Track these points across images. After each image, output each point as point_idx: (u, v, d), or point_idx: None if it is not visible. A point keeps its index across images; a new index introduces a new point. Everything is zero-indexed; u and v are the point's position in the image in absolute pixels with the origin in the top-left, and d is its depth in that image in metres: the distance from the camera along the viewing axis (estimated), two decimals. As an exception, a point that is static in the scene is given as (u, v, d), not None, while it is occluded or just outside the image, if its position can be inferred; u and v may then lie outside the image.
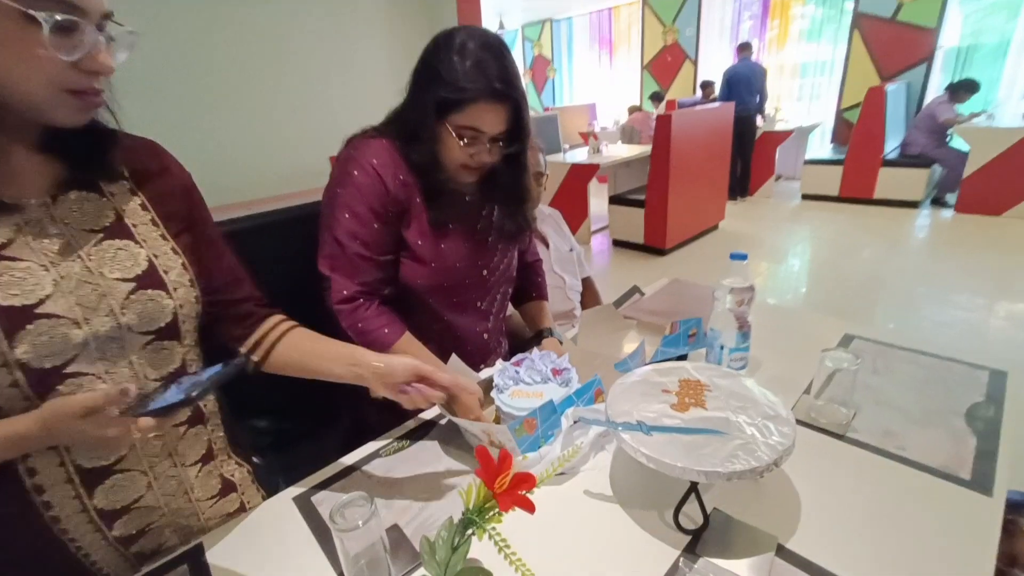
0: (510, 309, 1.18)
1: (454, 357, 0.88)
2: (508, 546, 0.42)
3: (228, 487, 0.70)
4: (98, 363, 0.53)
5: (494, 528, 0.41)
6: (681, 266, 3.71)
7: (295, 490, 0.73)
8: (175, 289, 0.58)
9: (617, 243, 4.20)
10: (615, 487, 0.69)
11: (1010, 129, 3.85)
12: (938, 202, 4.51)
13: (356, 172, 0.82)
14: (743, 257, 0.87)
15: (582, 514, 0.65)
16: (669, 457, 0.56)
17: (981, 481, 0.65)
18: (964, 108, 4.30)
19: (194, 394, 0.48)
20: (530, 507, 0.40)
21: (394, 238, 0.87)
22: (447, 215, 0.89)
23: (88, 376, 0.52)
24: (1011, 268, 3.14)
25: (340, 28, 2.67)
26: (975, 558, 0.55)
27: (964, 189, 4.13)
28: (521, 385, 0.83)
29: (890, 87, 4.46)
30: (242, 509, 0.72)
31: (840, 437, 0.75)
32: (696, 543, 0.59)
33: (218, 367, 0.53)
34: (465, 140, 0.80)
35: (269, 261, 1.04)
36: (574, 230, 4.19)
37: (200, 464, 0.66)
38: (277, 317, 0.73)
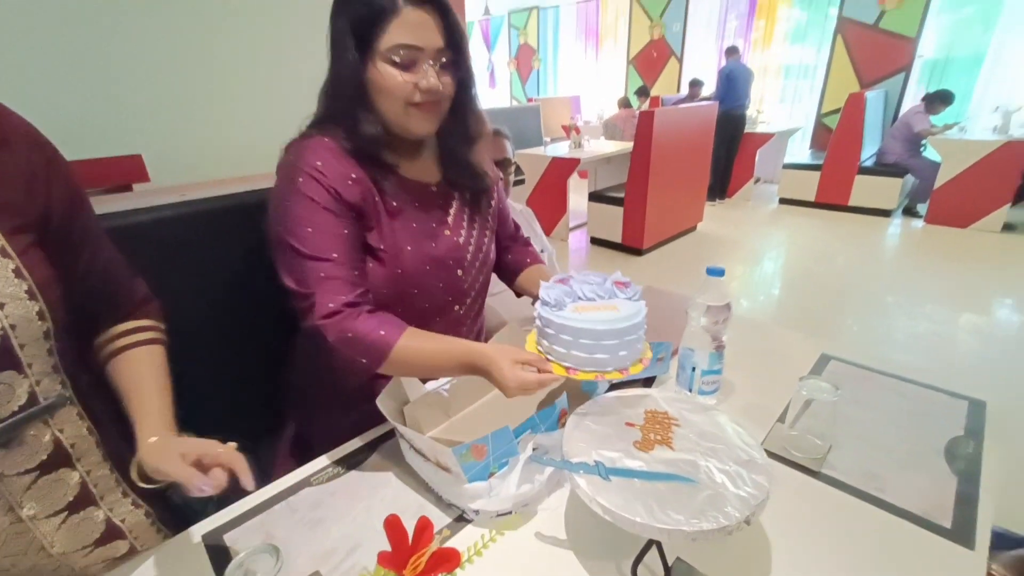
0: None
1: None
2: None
3: (112, 533, 0.58)
4: None
5: (401, 629, 0.33)
6: (658, 268, 3.68)
7: (205, 527, 0.64)
8: (1, 304, 0.45)
9: (595, 241, 4.14)
10: (569, 531, 0.61)
11: (980, 142, 3.91)
12: (909, 212, 4.59)
13: (302, 180, 0.71)
14: (720, 273, 0.80)
15: (531, 561, 0.58)
16: (628, 510, 0.49)
17: (962, 531, 0.60)
18: (939, 119, 4.36)
19: None
20: (448, 601, 0.32)
21: (362, 240, 0.76)
22: (406, 204, 0.79)
23: None
24: (978, 282, 3.20)
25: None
26: (956, 621, 0.50)
27: (934, 200, 4.20)
28: (581, 302, 0.70)
29: (869, 94, 4.49)
30: (132, 554, 0.61)
31: (815, 474, 0.70)
32: (655, 603, 0.53)
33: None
34: (400, 59, 0.69)
35: (234, 248, 0.95)
36: (552, 225, 4.15)
37: (66, 513, 0.54)
38: (134, 323, 0.62)
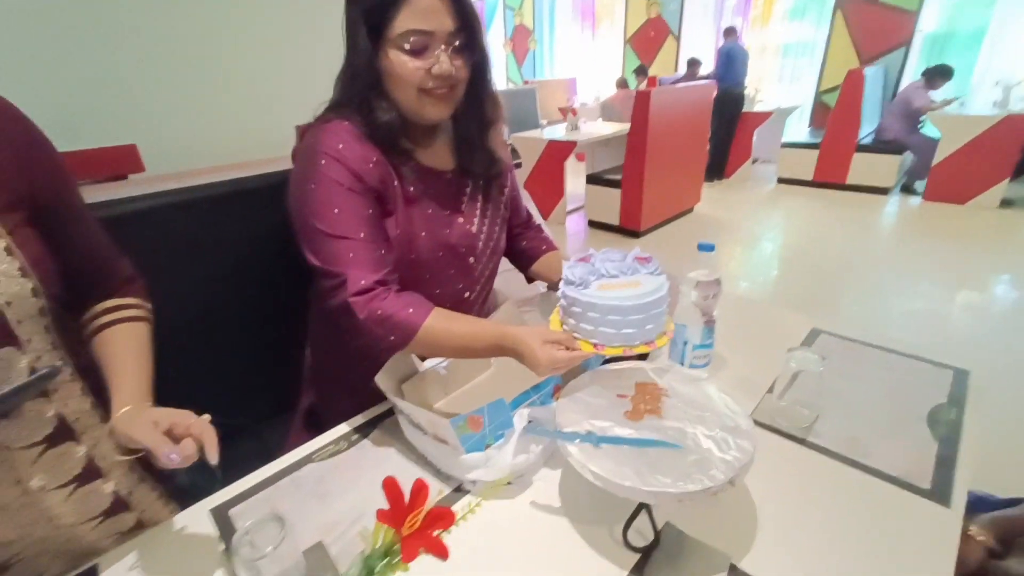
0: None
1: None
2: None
3: (120, 506, 0.60)
4: None
5: (399, 579, 0.35)
6: (655, 250, 3.62)
7: (212, 501, 0.66)
8: None
9: (593, 224, 4.14)
10: (564, 499, 0.64)
11: (980, 117, 3.88)
12: (907, 189, 4.57)
13: (324, 162, 0.71)
14: (710, 248, 0.81)
15: (527, 529, 0.60)
16: (618, 475, 0.51)
17: (940, 491, 0.62)
18: (938, 95, 4.32)
19: None
20: (443, 552, 0.34)
21: (383, 222, 0.77)
22: (422, 191, 0.80)
23: None
24: (974, 258, 3.21)
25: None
26: (933, 573, 0.53)
27: (932, 177, 4.18)
28: (605, 279, 0.70)
29: (868, 70, 4.44)
30: (140, 528, 0.63)
31: (801, 441, 0.72)
32: (645, 563, 0.55)
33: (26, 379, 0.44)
34: (410, 46, 0.68)
35: (236, 233, 0.97)
36: (550, 209, 4.15)
37: (74, 485, 0.56)
38: (118, 301, 0.63)
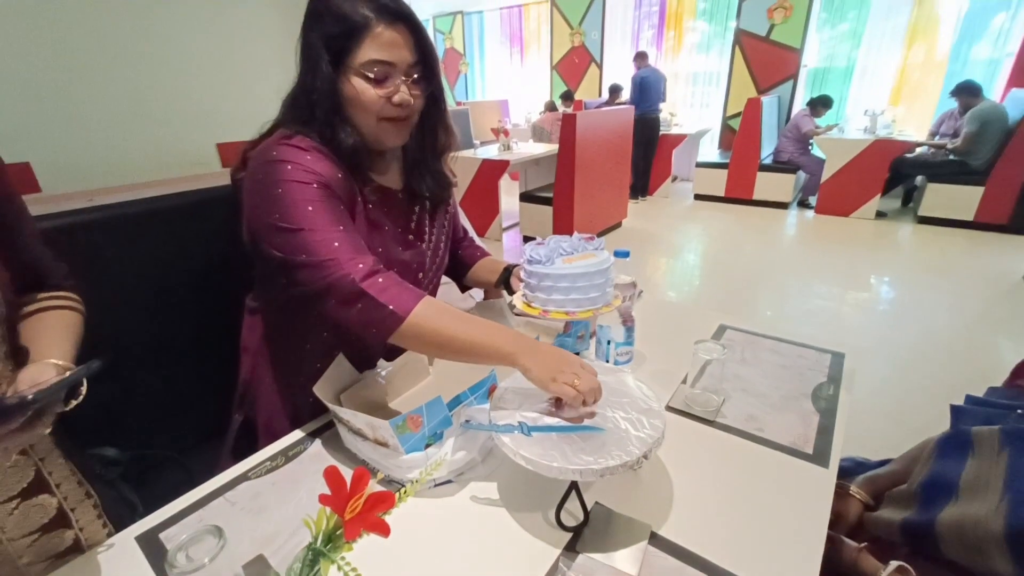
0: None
1: (340, 358, 0.82)
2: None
3: (59, 520, 0.58)
4: None
5: (343, 558, 0.37)
6: (588, 261, 3.85)
7: (140, 527, 0.64)
8: None
9: (528, 239, 4.27)
10: (502, 491, 0.68)
11: (855, 140, 4.49)
12: (803, 204, 5.15)
13: (290, 167, 0.70)
14: (626, 255, 0.90)
15: (466, 522, 0.64)
16: (546, 458, 0.56)
17: (820, 455, 0.74)
18: (822, 121, 4.94)
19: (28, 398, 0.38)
20: (384, 530, 0.37)
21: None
22: (380, 210, 0.82)
23: None
24: (856, 262, 3.68)
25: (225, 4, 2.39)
26: (812, 524, 0.62)
27: (822, 193, 4.75)
28: (565, 256, 0.76)
29: (765, 99, 4.98)
30: (77, 547, 0.61)
31: (711, 423, 0.81)
32: (577, 539, 0.60)
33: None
34: (373, 75, 0.71)
35: (145, 256, 0.94)
36: (487, 225, 4.23)
37: (19, 500, 0.54)
38: (50, 292, 0.62)
